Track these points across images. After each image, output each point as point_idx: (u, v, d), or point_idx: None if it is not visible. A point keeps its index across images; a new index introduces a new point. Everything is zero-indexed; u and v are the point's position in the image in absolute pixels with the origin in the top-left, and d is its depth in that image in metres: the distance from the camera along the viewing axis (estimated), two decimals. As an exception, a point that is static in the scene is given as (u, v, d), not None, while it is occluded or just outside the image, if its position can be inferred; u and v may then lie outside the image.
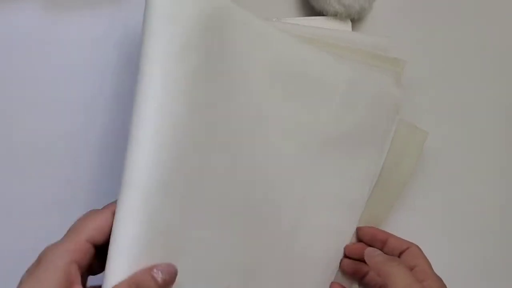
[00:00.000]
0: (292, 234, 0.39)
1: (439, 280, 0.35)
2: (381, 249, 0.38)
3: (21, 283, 0.27)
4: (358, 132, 0.40)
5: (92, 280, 0.30)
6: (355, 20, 0.45)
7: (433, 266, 0.36)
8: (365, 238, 0.40)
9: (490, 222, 0.45)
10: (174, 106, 0.31)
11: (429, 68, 0.46)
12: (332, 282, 0.40)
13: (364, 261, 0.39)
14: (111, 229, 0.29)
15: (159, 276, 0.29)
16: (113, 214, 0.29)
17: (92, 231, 0.29)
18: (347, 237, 0.41)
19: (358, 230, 0.41)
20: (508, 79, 0.48)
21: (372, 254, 0.36)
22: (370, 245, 0.39)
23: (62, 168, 0.40)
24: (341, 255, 0.40)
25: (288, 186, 0.39)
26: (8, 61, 0.41)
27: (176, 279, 0.30)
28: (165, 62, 0.31)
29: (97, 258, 0.29)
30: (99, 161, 0.41)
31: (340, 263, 0.40)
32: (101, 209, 0.30)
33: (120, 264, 0.28)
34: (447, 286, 0.35)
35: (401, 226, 0.41)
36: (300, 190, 0.40)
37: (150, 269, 0.29)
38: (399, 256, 0.37)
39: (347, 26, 0.45)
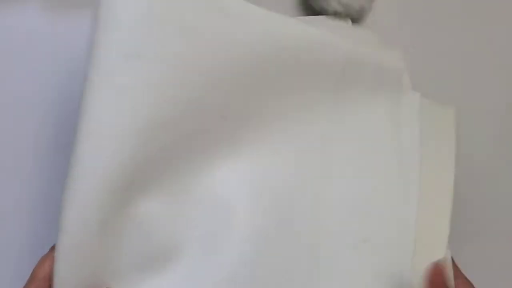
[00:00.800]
0: None
1: None
2: None
3: None
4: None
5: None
6: (355, 20, 0.45)
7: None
8: None
9: (490, 221, 0.45)
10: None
11: (429, 68, 0.46)
12: None
13: None
14: None
15: None
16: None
17: (40, 280, 0.30)
18: None
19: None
20: (508, 79, 0.48)
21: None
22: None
23: (62, 169, 0.40)
24: None
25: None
26: (8, 61, 0.41)
27: None
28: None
29: None
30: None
31: None
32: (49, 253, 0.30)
33: None
34: None
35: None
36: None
37: None
38: None
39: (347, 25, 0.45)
